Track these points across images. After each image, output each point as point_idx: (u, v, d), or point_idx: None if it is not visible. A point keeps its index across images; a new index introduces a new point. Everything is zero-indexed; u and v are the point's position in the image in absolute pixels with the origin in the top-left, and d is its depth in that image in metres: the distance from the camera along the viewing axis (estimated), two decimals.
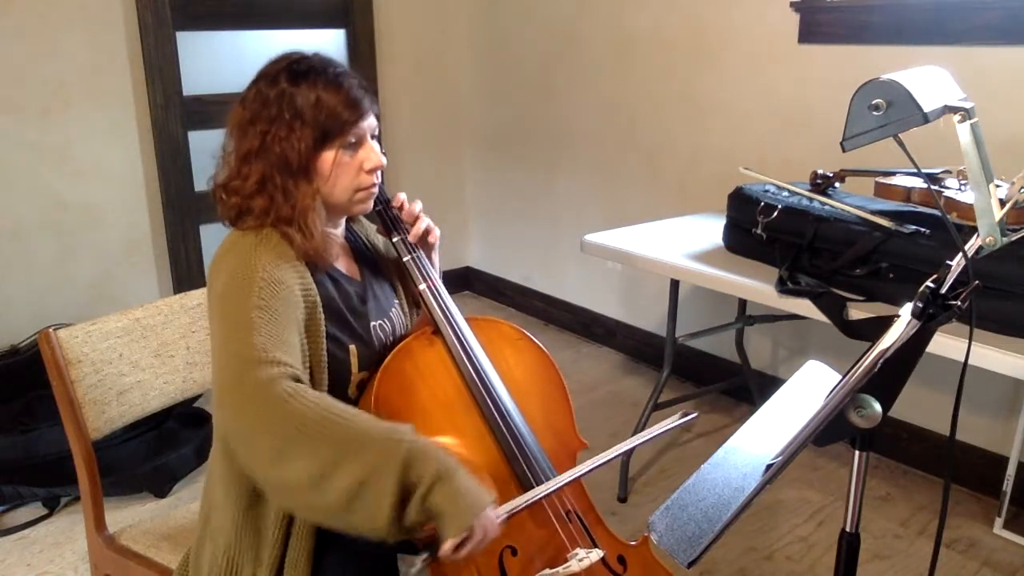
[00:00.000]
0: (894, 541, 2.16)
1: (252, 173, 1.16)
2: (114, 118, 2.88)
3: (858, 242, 1.80)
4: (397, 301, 1.37)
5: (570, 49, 3.29)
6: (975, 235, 0.92)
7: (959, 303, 0.89)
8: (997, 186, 0.92)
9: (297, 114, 1.14)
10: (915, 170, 1.02)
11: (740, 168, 2.24)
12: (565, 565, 1.19)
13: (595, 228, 2.44)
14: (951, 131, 0.90)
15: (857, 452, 0.96)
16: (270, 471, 0.99)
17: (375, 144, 1.22)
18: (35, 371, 1.64)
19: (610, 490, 2.36)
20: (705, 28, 2.78)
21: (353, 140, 1.18)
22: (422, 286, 1.31)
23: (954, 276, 0.90)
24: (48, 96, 2.74)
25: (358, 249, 1.35)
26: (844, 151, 0.93)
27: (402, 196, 1.35)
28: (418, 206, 1.35)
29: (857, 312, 1.76)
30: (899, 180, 1.92)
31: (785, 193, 2.09)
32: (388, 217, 1.34)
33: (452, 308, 1.30)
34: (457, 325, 1.29)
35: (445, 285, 1.35)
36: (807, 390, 1.08)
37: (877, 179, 1.96)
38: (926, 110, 0.87)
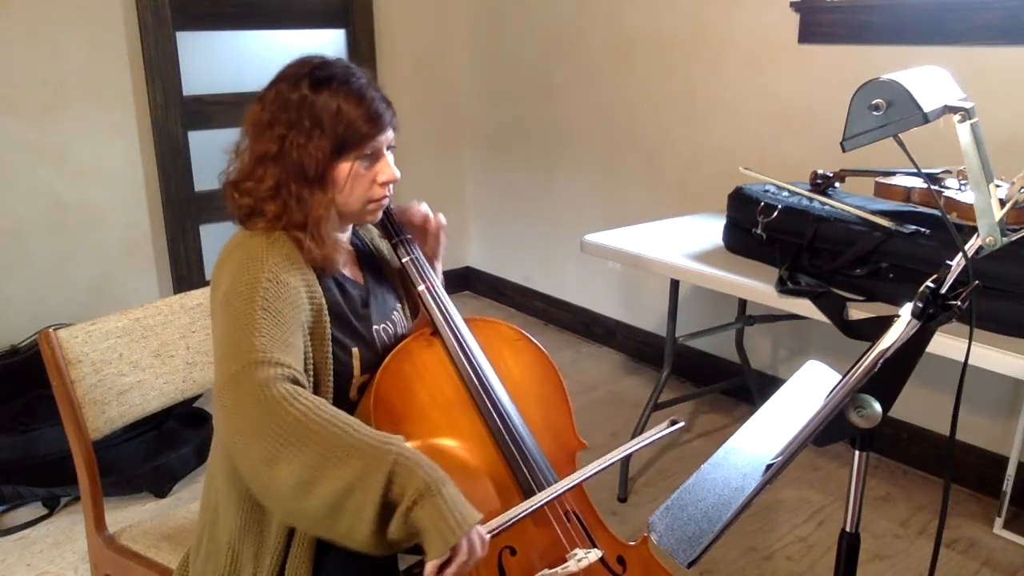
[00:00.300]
0: (894, 541, 2.16)
1: (267, 177, 1.16)
2: (114, 118, 2.88)
3: (858, 242, 1.80)
4: (399, 304, 1.37)
5: (570, 49, 3.29)
6: (975, 235, 0.91)
7: (959, 303, 0.89)
8: (997, 186, 0.92)
9: (317, 122, 1.14)
10: (915, 170, 1.02)
11: (740, 168, 2.24)
12: (564, 565, 1.19)
13: (595, 228, 2.43)
14: (951, 131, 0.90)
15: (857, 452, 0.96)
16: (260, 472, 0.99)
17: (391, 156, 1.22)
18: (35, 371, 1.64)
19: (610, 490, 2.36)
20: (705, 28, 2.78)
21: (369, 153, 1.18)
22: (421, 287, 1.31)
23: (954, 276, 0.90)
24: (48, 96, 2.74)
25: (362, 253, 1.35)
26: (844, 151, 0.93)
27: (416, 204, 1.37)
28: (424, 205, 1.37)
29: (857, 312, 1.76)
30: (899, 180, 1.92)
31: (785, 193, 2.09)
32: (388, 221, 1.34)
33: (451, 309, 1.30)
34: (456, 326, 1.29)
35: (445, 285, 1.36)
36: (807, 390, 1.08)
37: (877, 179, 1.96)
38: (926, 110, 0.87)
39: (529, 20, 3.45)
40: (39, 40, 2.69)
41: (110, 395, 1.41)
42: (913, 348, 0.91)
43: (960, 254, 0.90)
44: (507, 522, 1.09)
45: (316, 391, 1.16)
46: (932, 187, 1.62)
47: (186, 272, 3.13)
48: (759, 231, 2.01)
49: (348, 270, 1.29)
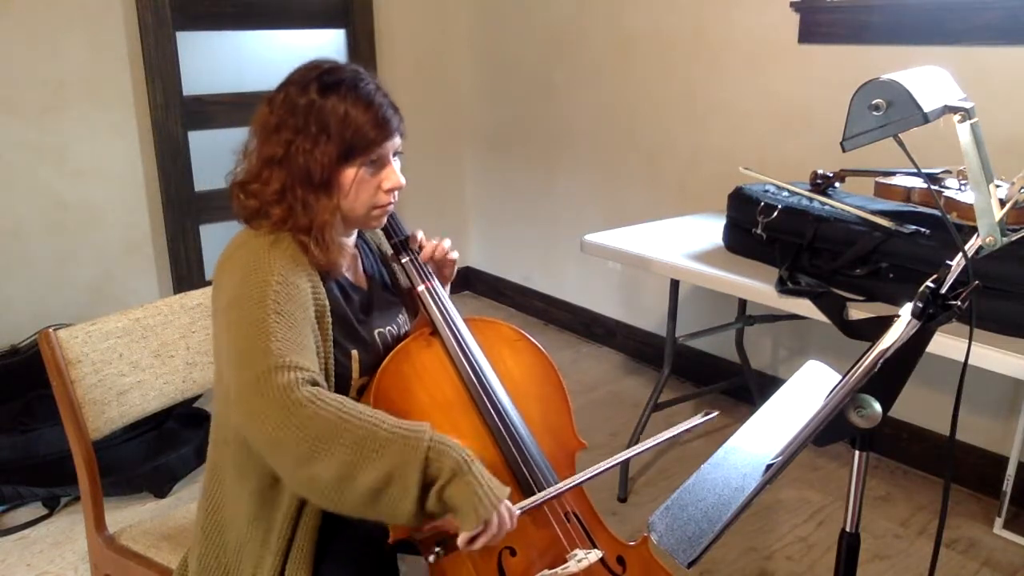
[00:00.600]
0: (894, 541, 2.16)
1: (273, 180, 1.16)
2: (114, 118, 2.88)
3: (858, 242, 1.80)
4: (404, 308, 1.37)
5: (570, 49, 3.29)
6: (975, 235, 0.92)
7: (959, 303, 0.89)
8: (997, 186, 0.93)
9: (323, 128, 1.14)
10: (915, 170, 1.02)
11: (740, 168, 2.24)
12: (564, 566, 1.19)
13: (595, 228, 2.43)
14: (951, 131, 0.90)
15: (857, 452, 0.96)
16: (297, 472, 1.01)
17: (397, 163, 1.22)
18: (35, 371, 1.64)
19: (610, 490, 2.36)
20: (705, 28, 2.78)
21: (375, 159, 1.18)
22: (421, 287, 1.31)
23: (954, 276, 0.90)
24: (48, 96, 2.74)
25: (367, 257, 1.36)
26: (844, 151, 0.93)
27: (420, 235, 1.36)
28: (435, 241, 1.37)
29: (857, 312, 1.76)
30: (899, 180, 1.92)
31: (785, 193, 2.09)
32: (390, 222, 1.34)
33: (450, 309, 1.30)
34: (455, 326, 1.29)
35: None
36: (807, 390, 1.08)
37: (877, 179, 1.96)
38: (926, 110, 0.87)
39: (529, 20, 3.45)
40: (39, 40, 2.69)
41: (110, 395, 1.41)
42: (913, 348, 0.91)
43: (960, 254, 0.90)
44: (535, 502, 1.14)
45: None
46: (932, 187, 1.62)
47: (186, 272, 3.13)
48: (759, 231, 2.01)
49: (351, 274, 1.29)
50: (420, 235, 1.35)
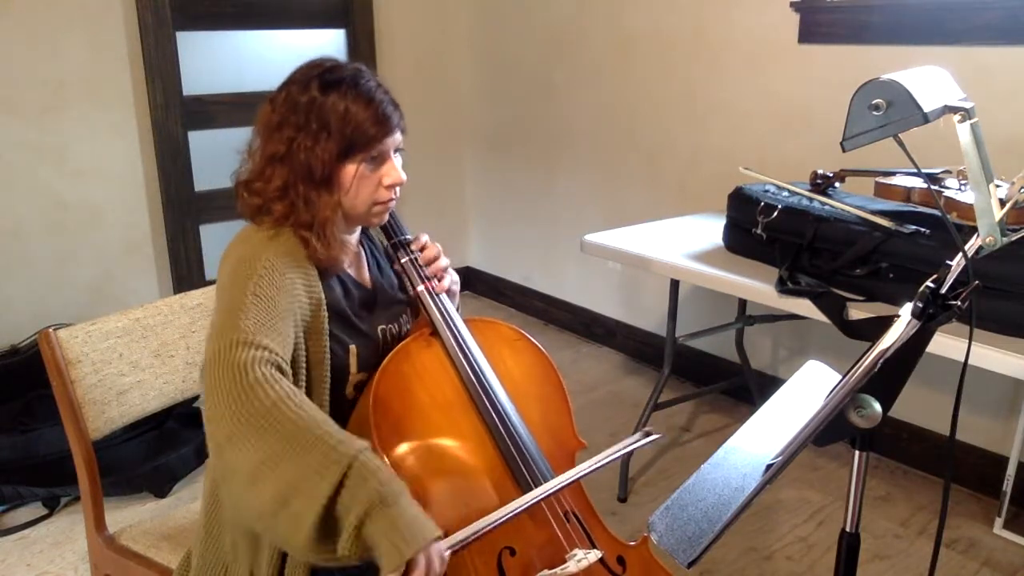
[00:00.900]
0: (894, 541, 2.16)
1: (275, 177, 1.17)
2: (114, 118, 2.88)
3: (858, 242, 1.80)
4: (409, 309, 1.37)
5: (570, 49, 3.29)
6: (975, 235, 0.91)
7: (959, 303, 0.89)
8: (997, 186, 0.92)
9: (324, 125, 1.15)
10: (915, 170, 1.02)
11: (740, 168, 2.24)
12: (563, 566, 1.19)
13: (595, 228, 2.43)
14: (951, 131, 0.90)
15: (857, 452, 0.96)
16: (222, 450, 0.97)
17: (398, 159, 1.22)
18: (35, 371, 1.64)
19: (610, 490, 2.36)
20: (705, 28, 2.78)
21: (376, 155, 1.18)
22: (420, 287, 1.31)
23: (954, 276, 0.90)
24: (48, 96, 2.74)
25: (373, 256, 1.36)
26: (844, 151, 0.93)
27: (424, 237, 1.34)
28: (437, 248, 1.35)
29: (857, 312, 1.76)
30: (899, 180, 1.92)
31: (785, 193, 2.09)
32: (390, 221, 1.34)
33: (450, 309, 1.30)
34: (455, 326, 1.29)
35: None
36: (807, 390, 1.08)
37: (877, 179, 1.96)
38: (926, 110, 0.87)
39: (529, 20, 3.45)
40: (39, 40, 2.69)
41: (110, 395, 1.41)
42: (913, 348, 0.91)
43: (960, 254, 0.90)
44: (467, 538, 1.04)
45: (311, 386, 1.17)
46: (932, 187, 1.62)
47: (186, 272, 3.13)
48: (759, 231, 2.01)
49: (354, 271, 1.29)
50: (424, 239, 1.35)
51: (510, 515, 1.10)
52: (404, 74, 3.61)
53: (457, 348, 1.27)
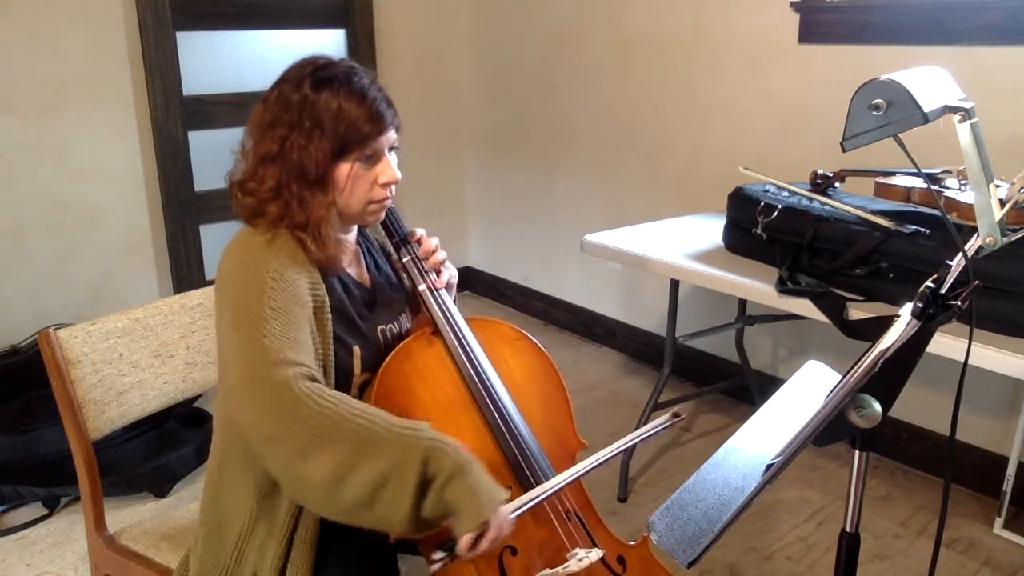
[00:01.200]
0: (894, 541, 2.16)
1: (268, 177, 1.16)
2: (114, 118, 2.88)
3: (858, 242, 1.80)
4: (408, 307, 1.37)
5: (570, 49, 3.29)
6: (975, 235, 0.91)
7: (959, 303, 0.89)
8: (997, 186, 0.92)
9: (317, 123, 1.14)
10: (915, 170, 1.02)
11: (740, 168, 2.24)
12: (564, 565, 1.19)
13: (595, 228, 2.43)
14: (951, 131, 0.90)
15: (857, 452, 0.96)
16: (291, 469, 1.00)
17: (392, 158, 1.22)
18: (35, 371, 1.64)
19: (610, 490, 2.36)
20: (705, 28, 2.78)
21: (370, 154, 1.17)
22: (421, 287, 1.31)
23: (954, 276, 0.90)
24: (48, 96, 2.74)
25: (370, 254, 1.35)
26: (844, 151, 0.93)
27: (420, 232, 1.34)
28: (434, 241, 1.35)
29: (857, 312, 1.76)
30: (899, 180, 1.92)
31: (785, 193, 2.09)
32: (390, 220, 1.34)
33: (452, 309, 1.30)
34: (456, 325, 1.29)
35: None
36: (807, 390, 1.08)
37: (877, 179, 1.96)
38: (926, 110, 0.87)
39: (529, 20, 3.45)
40: (39, 40, 2.69)
41: (110, 395, 1.41)
42: (913, 348, 0.91)
43: (960, 254, 0.90)
44: (526, 503, 1.12)
45: None
46: (932, 187, 1.62)
47: (186, 272, 3.13)
48: (759, 231, 2.01)
49: (353, 270, 1.29)
50: (420, 232, 1.34)
51: (567, 482, 1.17)
52: (404, 74, 3.61)
53: (459, 347, 1.27)
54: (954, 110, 0.89)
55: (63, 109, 2.77)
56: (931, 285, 0.89)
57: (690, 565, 0.83)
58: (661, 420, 1.27)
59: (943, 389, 2.34)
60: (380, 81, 1.21)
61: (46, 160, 2.77)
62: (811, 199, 2.02)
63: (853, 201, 1.98)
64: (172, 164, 3.02)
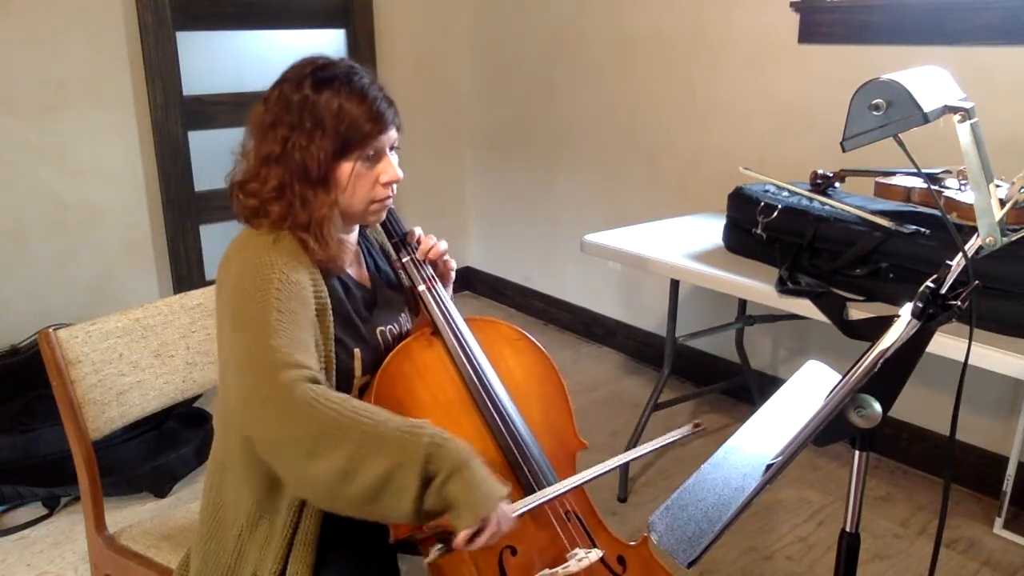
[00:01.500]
0: (894, 541, 2.16)
1: (271, 178, 1.16)
2: (114, 118, 2.88)
3: (858, 242, 1.80)
4: (407, 307, 1.37)
5: (570, 49, 3.29)
6: (975, 235, 0.91)
7: (959, 303, 0.89)
8: (997, 186, 0.92)
9: (318, 123, 1.14)
10: (915, 170, 1.02)
11: (740, 168, 2.24)
12: (564, 565, 1.19)
13: (595, 228, 2.43)
14: (951, 131, 0.90)
15: (857, 452, 0.96)
16: (296, 470, 1.02)
17: (394, 157, 1.22)
18: (35, 371, 1.64)
19: (610, 490, 2.36)
20: (705, 28, 2.78)
21: (372, 153, 1.18)
22: (421, 287, 1.31)
23: (954, 276, 0.90)
24: (48, 96, 2.74)
25: (370, 255, 1.35)
26: (844, 151, 0.93)
27: (418, 231, 1.35)
28: (433, 240, 1.36)
29: (857, 312, 1.75)
30: (899, 180, 1.92)
31: (785, 193, 2.09)
32: (390, 220, 1.34)
33: (451, 309, 1.31)
34: (456, 326, 1.29)
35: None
36: (807, 390, 1.08)
37: (877, 179, 1.96)
38: (926, 110, 0.87)
39: (529, 20, 3.45)
40: (39, 40, 2.69)
41: (110, 395, 1.41)
42: (913, 348, 0.91)
43: (960, 254, 0.90)
44: (532, 503, 1.13)
45: None
46: (932, 187, 1.62)
47: (186, 272, 3.13)
48: (759, 231, 2.01)
49: (354, 271, 1.29)
50: (418, 231, 1.35)
51: (578, 484, 1.18)
52: (404, 74, 3.61)
53: (458, 347, 1.27)
54: (954, 110, 0.89)
55: (63, 109, 2.77)
56: (931, 285, 0.89)
57: (690, 565, 0.83)
58: (682, 430, 1.28)
59: (943, 389, 2.34)
60: (380, 81, 1.21)
61: (46, 160, 2.77)
62: (811, 199, 2.02)
63: (853, 201, 1.98)
64: (172, 164, 3.02)
